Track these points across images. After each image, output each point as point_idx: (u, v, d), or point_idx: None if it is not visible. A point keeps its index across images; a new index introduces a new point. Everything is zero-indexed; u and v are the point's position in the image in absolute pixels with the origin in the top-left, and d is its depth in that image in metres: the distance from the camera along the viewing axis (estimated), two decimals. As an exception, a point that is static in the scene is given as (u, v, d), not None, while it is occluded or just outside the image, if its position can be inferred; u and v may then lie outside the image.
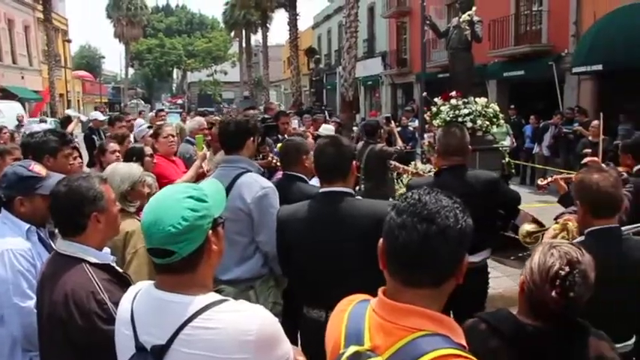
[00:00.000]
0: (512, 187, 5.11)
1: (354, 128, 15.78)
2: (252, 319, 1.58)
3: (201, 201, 1.64)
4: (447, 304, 1.49)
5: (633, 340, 2.67)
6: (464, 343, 1.38)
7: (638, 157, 4.60)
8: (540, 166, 13.66)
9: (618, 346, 2.27)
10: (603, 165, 4.44)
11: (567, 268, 1.84)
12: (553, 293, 1.83)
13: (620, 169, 4.58)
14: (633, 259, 2.59)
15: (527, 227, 4.05)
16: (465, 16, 8.58)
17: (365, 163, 7.28)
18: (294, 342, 1.83)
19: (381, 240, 1.44)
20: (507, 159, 8.81)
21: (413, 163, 9.26)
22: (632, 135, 5.13)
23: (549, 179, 4.54)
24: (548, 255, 1.89)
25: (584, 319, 1.96)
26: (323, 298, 2.30)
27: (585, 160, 4.74)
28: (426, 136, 10.20)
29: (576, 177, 2.89)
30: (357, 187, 7.43)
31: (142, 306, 1.67)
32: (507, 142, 9.74)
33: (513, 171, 9.96)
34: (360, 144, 7.76)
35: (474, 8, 8.64)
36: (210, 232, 1.65)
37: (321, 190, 2.92)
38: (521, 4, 19.11)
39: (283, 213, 3.05)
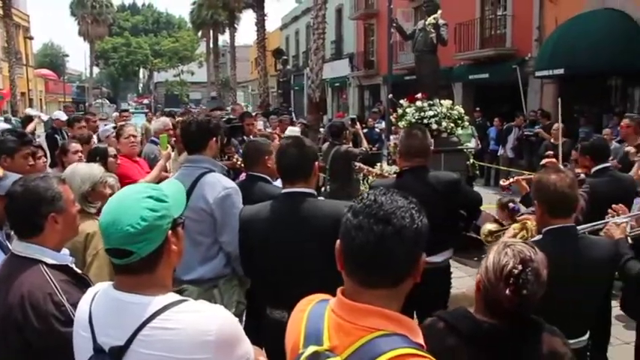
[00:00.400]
0: (476, 188, 5.21)
1: (321, 129, 15.77)
2: (212, 319, 1.57)
3: (160, 201, 1.63)
4: (410, 305, 1.49)
5: (587, 336, 2.75)
6: (422, 342, 1.38)
7: (595, 158, 4.71)
8: (504, 168, 13.87)
9: (572, 342, 2.33)
10: (561, 166, 4.55)
11: (520, 267, 1.88)
12: (507, 291, 1.87)
13: (579, 170, 4.70)
14: (588, 257, 2.66)
15: (489, 226, 4.16)
16: (430, 19, 8.71)
17: (330, 164, 7.31)
18: (256, 343, 1.82)
19: (338, 241, 1.44)
20: (472, 160, 8.93)
21: (379, 164, 9.33)
22: (591, 137, 5.24)
23: (511, 180, 4.63)
24: (503, 254, 1.93)
25: (541, 317, 2.00)
26: (284, 298, 2.30)
27: (544, 161, 4.83)
28: (392, 137, 10.28)
29: (535, 178, 2.96)
30: (323, 188, 7.46)
31: (100, 307, 1.64)
32: (472, 143, 9.88)
33: (478, 172, 10.10)
34: (326, 145, 7.79)
35: (439, 12, 8.77)
36: (170, 232, 1.64)
37: (284, 190, 2.94)
38: (487, 8, 19.42)
39: (246, 213, 3.05)
